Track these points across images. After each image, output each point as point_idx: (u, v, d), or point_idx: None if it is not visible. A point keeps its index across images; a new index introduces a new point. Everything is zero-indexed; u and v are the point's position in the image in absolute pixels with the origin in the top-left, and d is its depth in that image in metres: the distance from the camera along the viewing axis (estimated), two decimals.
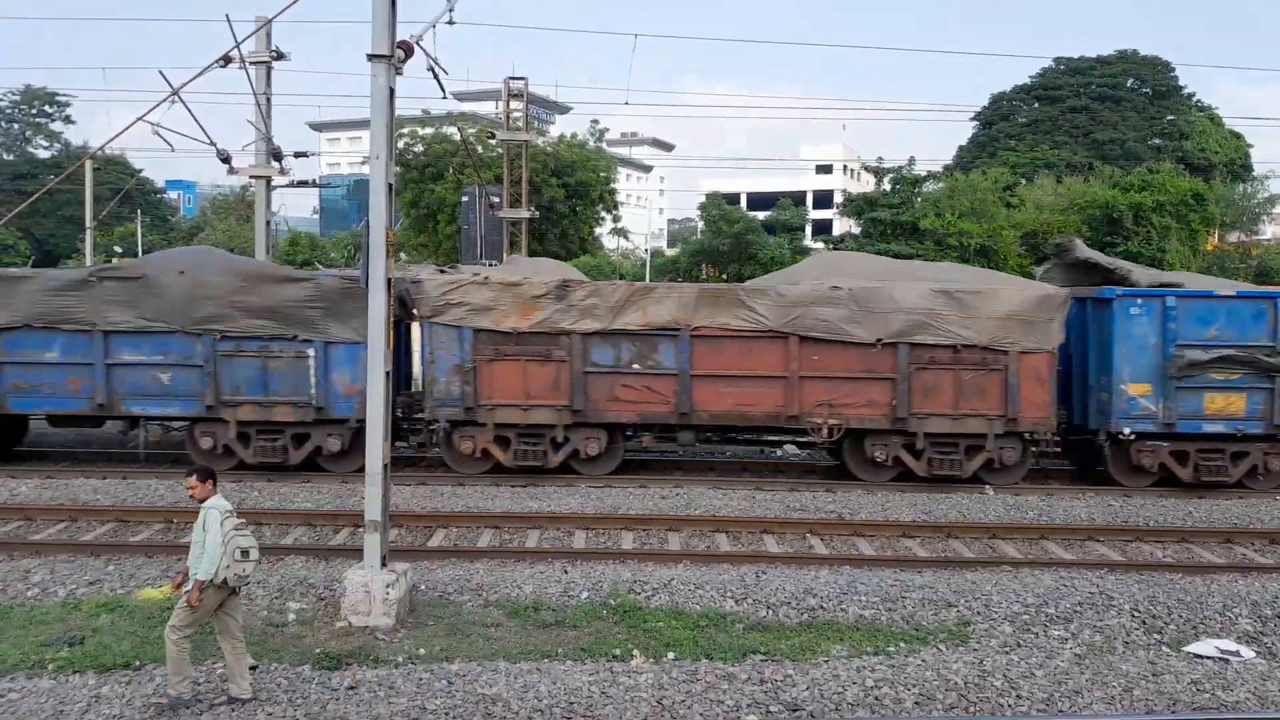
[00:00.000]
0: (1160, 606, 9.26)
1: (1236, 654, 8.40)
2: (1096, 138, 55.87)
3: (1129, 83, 59.61)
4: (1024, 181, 46.20)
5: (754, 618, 8.98)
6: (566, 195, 40.77)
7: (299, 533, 11.68)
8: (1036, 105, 60.90)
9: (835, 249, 37.82)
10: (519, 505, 12.86)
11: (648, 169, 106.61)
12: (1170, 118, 57.83)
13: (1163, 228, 34.96)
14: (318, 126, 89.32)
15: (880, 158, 39.72)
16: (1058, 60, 60.76)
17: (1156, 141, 55.99)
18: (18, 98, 63.17)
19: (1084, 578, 10.20)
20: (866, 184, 60.88)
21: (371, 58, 8.44)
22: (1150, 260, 34.41)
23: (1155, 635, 8.80)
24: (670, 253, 58.44)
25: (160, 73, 17.56)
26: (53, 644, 8.00)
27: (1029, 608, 9.20)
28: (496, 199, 30.28)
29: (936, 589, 9.66)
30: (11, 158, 62.30)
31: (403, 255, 39.65)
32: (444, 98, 11.24)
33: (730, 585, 9.63)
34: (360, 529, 9.42)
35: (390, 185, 8.60)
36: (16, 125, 64.25)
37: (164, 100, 10.03)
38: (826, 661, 8.00)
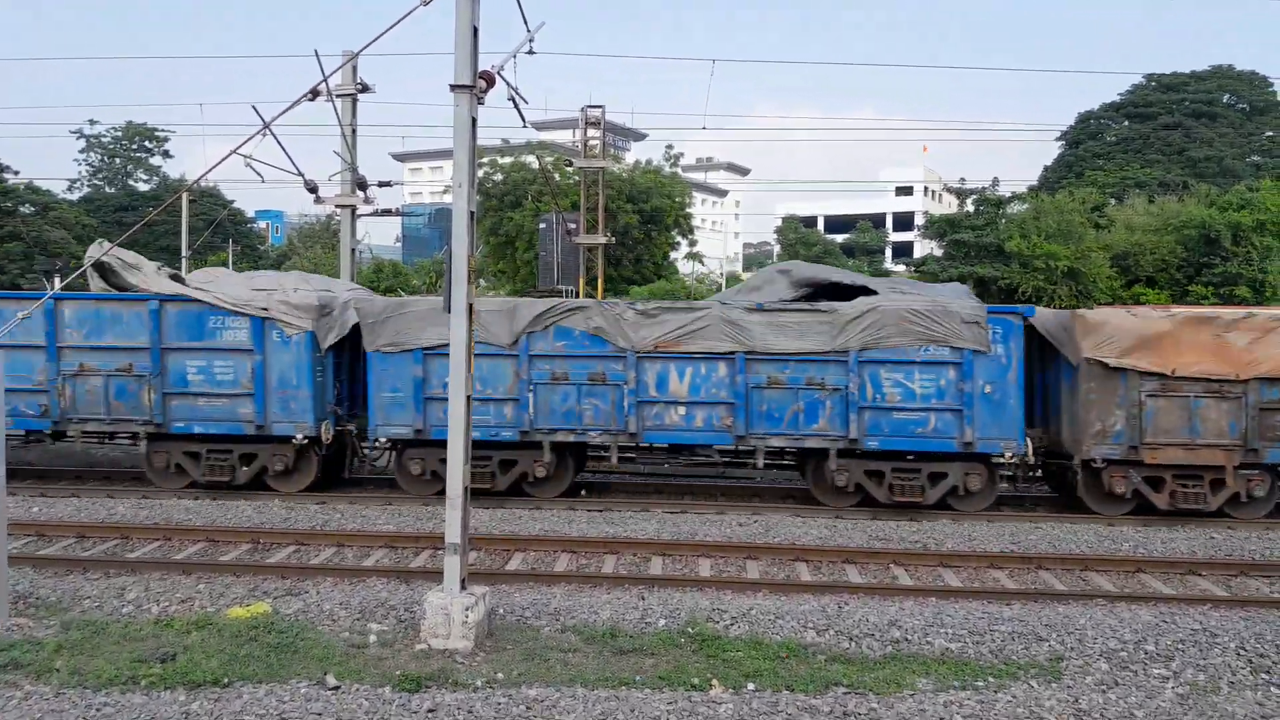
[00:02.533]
0: (1268, 644, 8.77)
1: None
2: (1191, 155, 54.09)
3: (1225, 98, 57.67)
4: (1114, 202, 44.88)
5: (836, 649, 8.78)
6: (642, 220, 41.04)
7: (380, 554, 11.84)
8: (1126, 124, 59.24)
9: (918, 272, 37.20)
10: (595, 529, 12.86)
11: (723, 194, 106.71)
12: (1269, 133, 55.70)
13: (1264, 247, 33.55)
14: (400, 157, 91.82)
15: (963, 179, 39.13)
16: (1149, 77, 59.10)
17: (1255, 158, 53.97)
18: (120, 134, 66.30)
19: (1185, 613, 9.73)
20: (948, 206, 59.86)
21: (454, 88, 8.58)
22: (1251, 282, 33.07)
23: (1263, 675, 8.33)
24: (746, 276, 58.25)
25: (253, 107, 18.23)
26: (146, 660, 8.21)
27: (1126, 644, 8.80)
28: (573, 225, 30.64)
29: (1026, 622, 9.32)
30: (114, 190, 65.30)
31: (482, 281, 40.34)
32: (524, 126, 11.43)
33: (811, 616, 9.44)
34: (440, 551, 9.51)
35: (472, 213, 8.72)
36: (118, 160, 67.37)
37: (256, 134, 10.31)
38: (912, 695, 7.76)
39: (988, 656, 8.63)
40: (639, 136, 79.67)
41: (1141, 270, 34.53)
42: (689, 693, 7.75)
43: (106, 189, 65.72)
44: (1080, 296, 32.72)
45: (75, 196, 63.28)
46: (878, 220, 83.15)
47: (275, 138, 15.80)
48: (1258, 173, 48.47)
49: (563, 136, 59.63)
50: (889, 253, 75.20)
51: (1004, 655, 8.64)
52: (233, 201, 60.91)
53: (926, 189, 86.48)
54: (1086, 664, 8.47)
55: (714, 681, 7.96)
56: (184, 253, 33.09)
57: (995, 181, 37.34)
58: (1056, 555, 11.73)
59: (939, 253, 39.55)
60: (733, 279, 54.76)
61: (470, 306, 8.74)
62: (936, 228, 38.95)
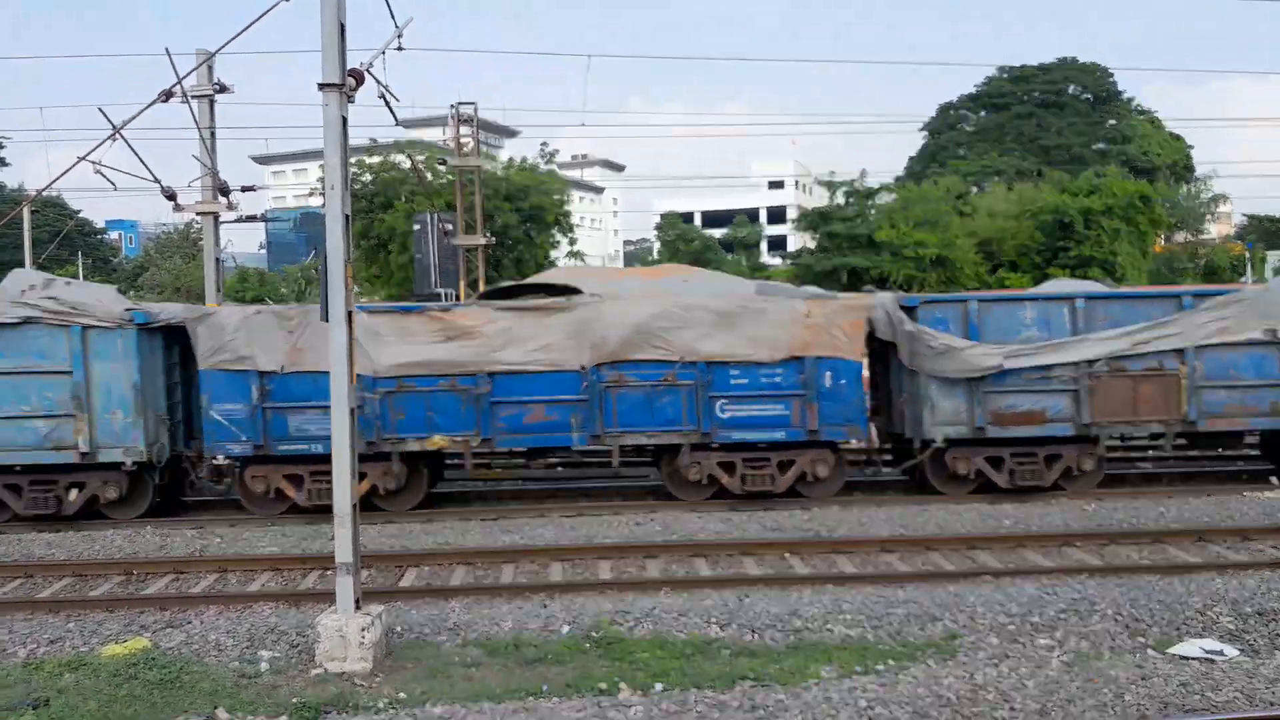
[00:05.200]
0: (1142, 609, 9.27)
1: (1220, 653, 8.41)
2: (1043, 144, 57.07)
3: (1070, 89, 60.97)
4: (976, 190, 46.95)
5: (740, 643, 8.84)
6: (521, 220, 40.64)
7: (265, 578, 11.34)
8: (984, 114, 62.11)
9: (794, 264, 38.05)
10: (491, 539, 12.63)
11: (599, 190, 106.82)
12: (1112, 122, 59.21)
13: (1113, 230, 35.66)
14: (262, 159, 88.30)
15: (832, 171, 40.26)
16: (1001, 69, 62.04)
17: (1100, 146, 57.34)
18: None
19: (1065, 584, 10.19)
20: (819, 199, 61.48)
21: (323, 87, 8.25)
22: (1103, 263, 35.07)
23: (1140, 639, 8.79)
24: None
25: (100, 110, 17.05)
26: (15, 708, 7.63)
27: (1014, 618, 9.16)
28: (450, 226, 30.02)
29: (920, 604, 9.60)
30: None
31: (355, 287, 39.21)
32: (396, 124, 11.11)
33: (714, 611, 9.48)
34: (330, 572, 9.15)
35: (348, 216, 8.41)
36: None
37: (106, 139, 9.73)
38: (817, 683, 7.87)
39: (886, 640, 8.84)
40: (511, 134, 78.96)
41: (1005, 255, 36.25)
42: (598, 698, 7.67)
43: None
44: (948, 283, 34.09)
45: None
46: (752, 214, 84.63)
47: (126, 142, 15.05)
48: (1104, 159, 51.47)
49: (433, 134, 58.56)
50: (764, 246, 76.61)
51: (902, 637, 8.87)
52: (79, 211, 57.48)
53: (797, 182, 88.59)
54: (978, 640, 8.77)
55: (622, 685, 7.90)
56: (28, 266, 30.99)
57: (863, 174, 38.59)
58: (943, 537, 12.13)
59: (813, 245, 40.54)
60: None
61: (350, 314, 8.44)
62: (809, 220, 39.95)
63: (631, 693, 7.79)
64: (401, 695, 7.78)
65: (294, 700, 7.68)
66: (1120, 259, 35.17)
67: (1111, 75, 61.07)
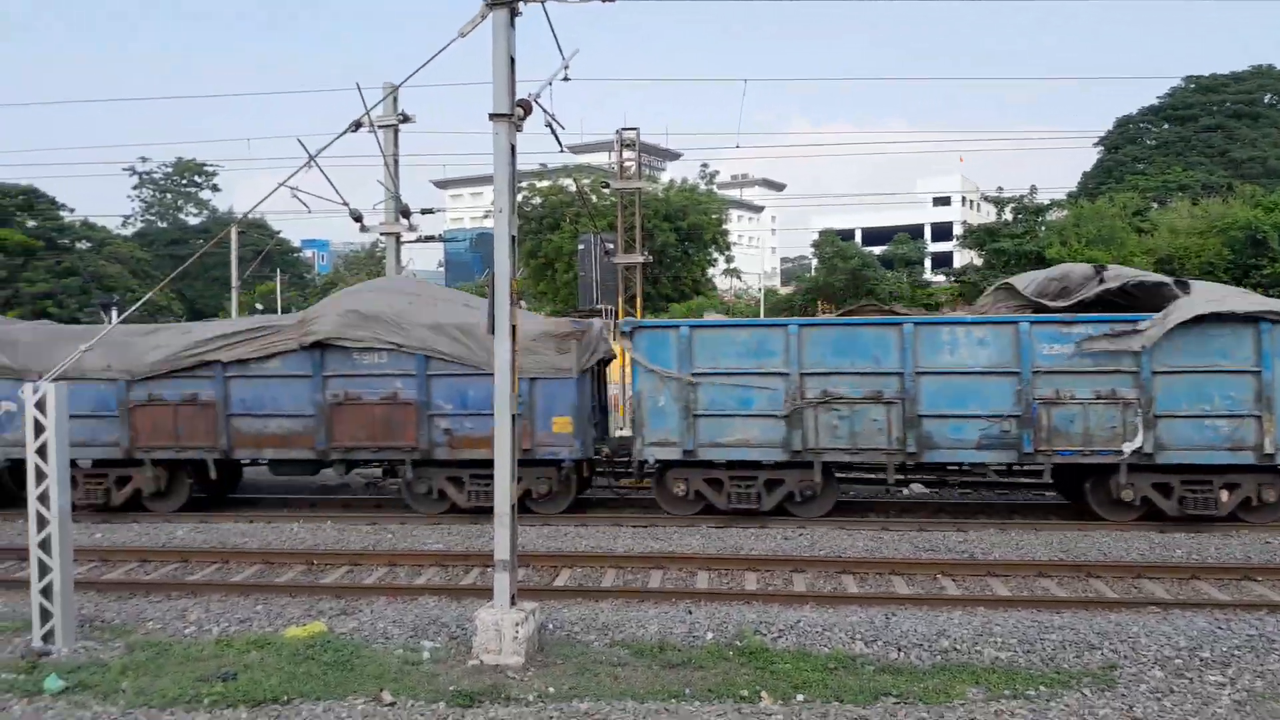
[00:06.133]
0: None
1: None
2: (1233, 156, 53.27)
3: (1266, 98, 56.71)
4: (1155, 206, 44.30)
5: (884, 660, 8.79)
6: (679, 239, 41.24)
7: (431, 573, 12.04)
8: (1166, 127, 58.55)
9: (957, 281, 36.97)
10: (640, 545, 12.97)
11: (759, 209, 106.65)
12: None
13: None
14: (441, 184, 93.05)
15: (1000, 188, 38.91)
16: (1187, 79, 58.38)
17: None
18: (170, 169, 68.04)
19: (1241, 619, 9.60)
20: (987, 215, 59.36)
21: (493, 117, 8.79)
22: None
23: None
24: (784, 291, 58.15)
25: (299, 140, 18.76)
26: (208, 679, 8.45)
27: (1180, 651, 8.72)
28: (611, 245, 30.90)
29: (1078, 630, 9.26)
30: (165, 225, 66.96)
31: (523, 303, 40.72)
32: (561, 151, 11.63)
33: (859, 627, 9.46)
34: (489, 569, 9.66)
35: (513, 237, 8.92)
36: (169, 195, 69.11)
37: (302, 167, 10.65)
38: (962, 704, 7.75)
39: (1039, 665, 8.59)
40: (674, 156, 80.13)
41: (1187, 273, 34.03)
42: (739, 704, 7.81)
43: (159, 223, 67.45)
44: None
45: (129, 232, 65.00)
46: (915, 231, 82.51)
47: (320, 169, 16.39)
48: None
49: (599, 159, 60.15)
50: (928, 263, 74.59)
51: (1055, 664, 8.60)
52: (279, 232, 62.30)
53: (964, 198, 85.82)
54: (1140, 671, 8.40)
55: (763, 693, 8.01)
56: (234, 283, 33.87)
57: (1033, 189, 37.12)
58: (1107, 563, 11.62)
59: (979, 262, 39.28)
60: (770, 293, 54.67)
61: (514, 328, 8.93)
62: (976, 237, 38.73)
63: (772, 701, 7.89)
64: (550, 689, 8.14)
65: (451, 688, 8.16)
66: None
67: None
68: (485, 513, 14.69)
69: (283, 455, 15.30)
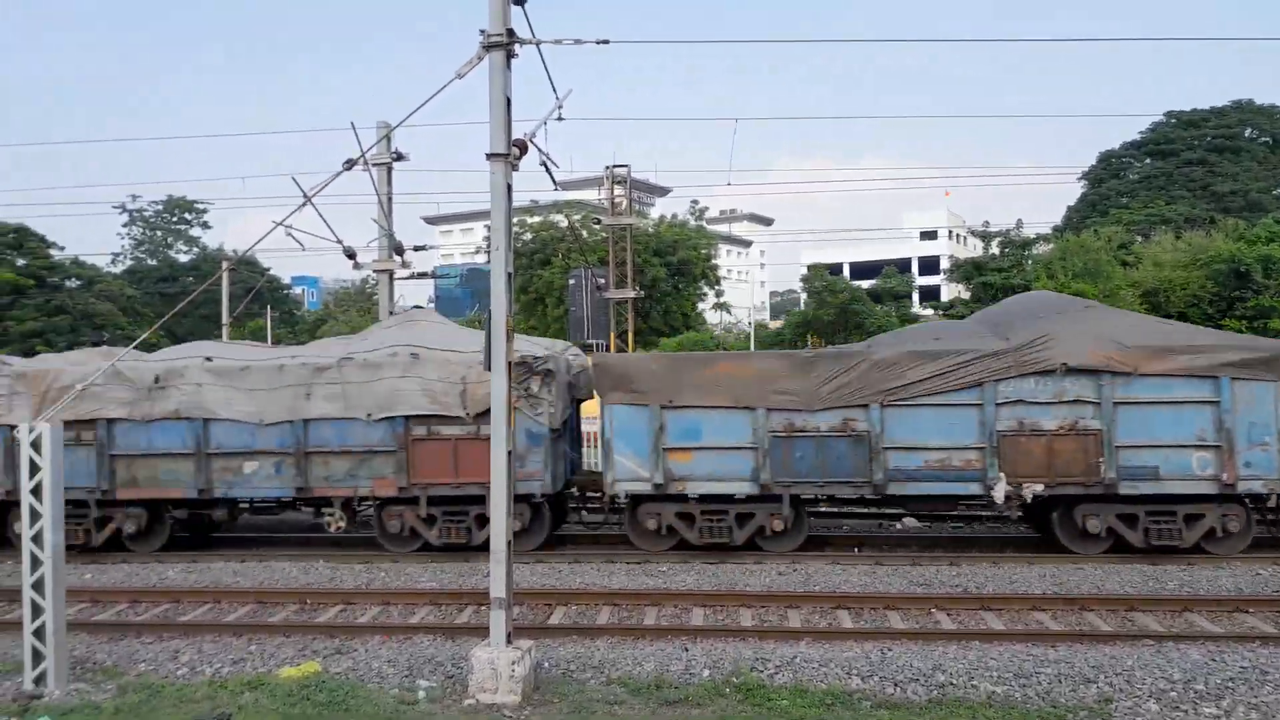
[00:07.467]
0: None
1: None
2: (1216, 190, 54.03)
3: (1246, 132, 57.64)
4: (1140, 239, 44.83)
5: (881, 695, 8.79)
6: (669, 273, 41.49)
7: (425, 612, 11.99)
8: (1148, 161, 59.38)
9: (945, 315, 37.25)
10: (635, 582, 12.95)
11: (748, 244, 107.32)
12: None
13: None
14: (432, 220, 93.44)
15: (986, 222, 39.34)
16: (1169, 114, 59.25)
17: None
18: (160, 207, 68.18)
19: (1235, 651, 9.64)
20: (973, 249, 59.90)
21: (490, 157, 8.92)
22: None
23: None
24: (774, 325, 58.43)
25: (293, 179, 18.88)
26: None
27: (1175, 683, 8.75)
28: (602, 281, 31.07)
29: (1073, 663, 9.29)
30: (155, 263, 66.96)
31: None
32: (555, 189, 11.77)
33: (855, 662, 9.47)
34: (484, 607, 9.64)
35: (510, 274, 9.02)
36: (159, 232, 69.18)
37: (299, 207, 10.76)
38: None
39: (1035, 700, 8.61)
40: (663, 192, 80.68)
41: (1172, 306, 34.41)
42: None
43: (148, 261, 67.41)
44: None
45: (119, 269, 64.94)
46: (903, 265, 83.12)
47: (316, 209, 16.43)
48: None
49: (589, 195, 60.55)
50: (916, 297, 75.11)
51: (1051, 698, 8.62)
52: (269, 269, 62.33)
53: (950, 232, 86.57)
54: (1136, 705, 8.42)
55: None
56: (224, 320, 33.86)
57: (1019, 223, 37.57)
58: (1100, 596, 11.67)
59: (966, 295, 39.62)
60: (760, 327, 54.93)
61: (509, 364, 9.00)
62: (963, 271, 39.08)
63: None
64: None
65: None
66: None
67: None
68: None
69: None
